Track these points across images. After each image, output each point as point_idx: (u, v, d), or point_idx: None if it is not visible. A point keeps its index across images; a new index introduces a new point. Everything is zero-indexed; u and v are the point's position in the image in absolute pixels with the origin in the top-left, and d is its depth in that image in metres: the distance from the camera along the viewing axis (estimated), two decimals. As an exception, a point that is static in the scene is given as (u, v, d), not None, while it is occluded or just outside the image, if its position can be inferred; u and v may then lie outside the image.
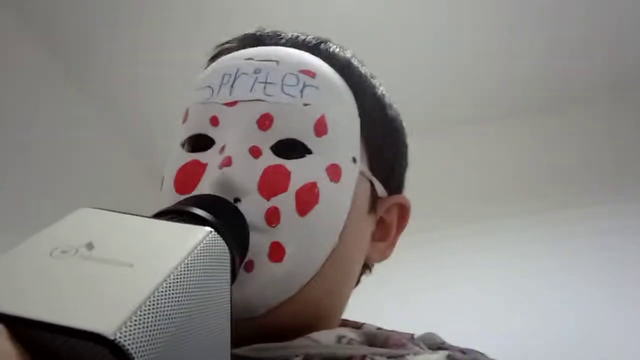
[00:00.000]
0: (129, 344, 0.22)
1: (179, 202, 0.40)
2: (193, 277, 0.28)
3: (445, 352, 0.44)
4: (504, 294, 1.75)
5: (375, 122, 0.52)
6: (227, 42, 0.55)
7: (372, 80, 0.54)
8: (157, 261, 0.27)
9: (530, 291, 1.74)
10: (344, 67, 0.52)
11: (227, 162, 0.43)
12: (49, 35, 1.82)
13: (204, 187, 0.44)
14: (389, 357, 0.42)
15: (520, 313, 1.69)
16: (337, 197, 0.46)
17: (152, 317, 0.24)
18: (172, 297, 0.26)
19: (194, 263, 0.28)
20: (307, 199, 0.44)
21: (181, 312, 0.26)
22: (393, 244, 0.55)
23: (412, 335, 0.51)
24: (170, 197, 0.46)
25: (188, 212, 0.36)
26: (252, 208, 0.43)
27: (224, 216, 0.39)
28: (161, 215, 0.36)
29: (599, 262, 1.74)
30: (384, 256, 0.54)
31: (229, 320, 0.32)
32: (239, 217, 0.42)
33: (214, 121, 0.47)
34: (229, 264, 0.32)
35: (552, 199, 1.90)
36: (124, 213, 0.32)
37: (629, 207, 1.80)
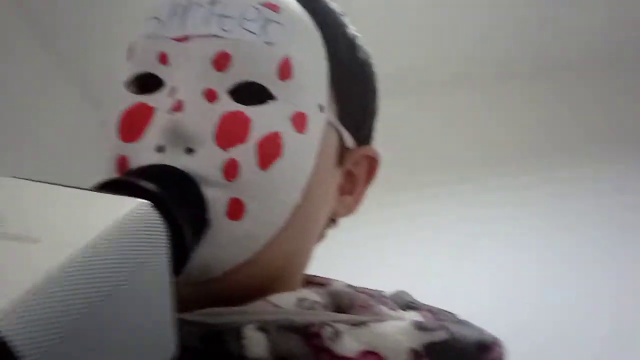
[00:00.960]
0: (14, 335, 0.18)
1: (125, 174, 0.36)
2: (112, 253, 0.24)
3: (412, 318, 0.41)
4: (489, 256, 1.75)
5: (344, 66, 0.47)
6: None
7: (342, 17, 0.49)
8: (69, 236, 0.24)
9: (515, 254, 1.74)
10: (311, 2, 0.46)
11: (178, 107, 0.38)
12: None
13: (153, 134, 0.39)
14: (351, 325, 0.39)
15: (506, 278, 1.70)
16: (302, 150, 0.42)
17: (51, 302, 0.20)
18: (79, 278, 0.22)
19: (115, 237, 0.25)
20: (269, 151, 0.40)
21: (93, 294, 0.22)
22: (360, 198, 0.52)
23: (382, 292, 0.49)
24: (113, 146, 0.41)
25: (131, 183, 0.32)
26: (208, 160, 0.39)
27: (175, 187, 0.35)
28: (101, 188, 0.32)
29: (596, 224, 1.74)
30: (350, 210, 0.51)
31: (168, 300, 0.28)
32: (193, 186, 0.38)
33: (163, 58, 0.41)
34: (163, 239, 0.28)
35: (544, 161, 1.88)
36: (53, 184, 0.28)
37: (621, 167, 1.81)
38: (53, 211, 0.26)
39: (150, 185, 0.32)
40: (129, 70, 0.43)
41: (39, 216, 0.25)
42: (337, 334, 0.38)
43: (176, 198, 0.33)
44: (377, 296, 0.48)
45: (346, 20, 0.50)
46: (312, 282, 0.50)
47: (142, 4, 0.47)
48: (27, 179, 0.28)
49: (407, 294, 0.50)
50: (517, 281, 1.68)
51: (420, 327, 0.40)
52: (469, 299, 1.34)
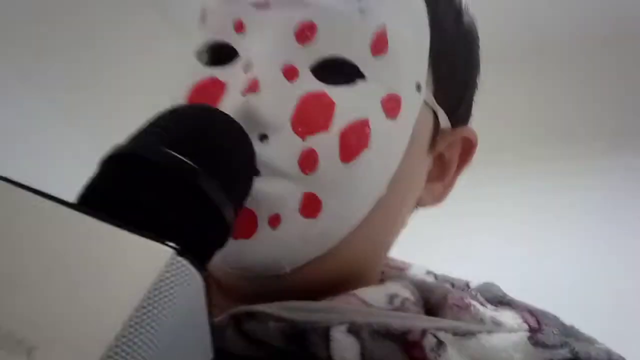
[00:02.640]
0: None
1: (147, 129, 0.29)
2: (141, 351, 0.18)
3: (525, 334, 0.36)
4: (511, 242, 1.69)
5: (448, 37, 0.41)
6: None
7: None
8: (72, 345, 0.17)
9: (539, 240, 1.68)
10: None
11: (253, 87, 0.34)
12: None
13: None
14: (455, 334, 0.34)
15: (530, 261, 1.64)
16: (392, 139, 0.37)
17: None
18: None
19: (139, 329, 0.18)
20: (354, 142, 0.35)
21: None
22: (451, 186, 0.46)
23: (468, 284, 0.44)
24: None
25: (150, 160, 0.26)
26: (283, 149, 0.34)
27: (214, 148, 0.29)
28: (112, 162, 0.26)
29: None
30: (438, 200, 0.45)
31: (208, 343, 0.23)
32: (240, 143, 0.31)
33: (239, 26, 0.37)
34: (200, 298, 0.22)
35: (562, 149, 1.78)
36: (41, 193, 0.21)
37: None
38: (44, 278, 0.19)
39: (174, 160, 0.26)
40: (200, 38, 0.39)
41: (31, 294, 0.18)
42: (440, 345, 0.34)
43: (209, 162, 0.27)
44: (463, 287, 0.43)
45: None
46: (389, 265, 0.46)
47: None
48: (16, 183, 0.21)
49: (497, 287, 0.44)
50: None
51: (538, 342, 0.34)
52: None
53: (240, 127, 0.32)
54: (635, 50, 1.80)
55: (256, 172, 0.34)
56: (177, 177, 0.26)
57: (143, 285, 0.19)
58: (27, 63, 1.50)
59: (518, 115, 1.87)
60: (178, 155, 0.26)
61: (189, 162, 0.26)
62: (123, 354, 0.17)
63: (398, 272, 0.45)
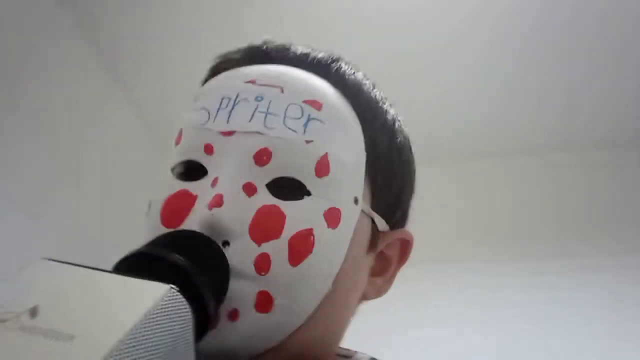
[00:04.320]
0: None
1: (153, 241, 0.38)
2: (142, 348, 0.26)
3: None
4: (498, 334, 1.71)
5: (382, 155, 0.48)
6: (230, 54, 0.51)
7: (382, 105, 0.50)
8: (101, 332, 0.25)
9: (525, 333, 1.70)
10: (353, 92, 0.48)
11: (218, 202, 0.40)
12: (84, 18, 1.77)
13: (192, 224, 0.41)
14: None
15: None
16: (333, 244, 0.43)
17: None
18: None
19: (144, 331, 0.26)
20: (300, 247, 0.41)
21: None
22: (391, 280, 0.52)
23: None
24: (155, 229, 0.43)
25: (158, 256, 0.35)
26: (242, 253, 0.40)
27: (201, 256, 0.37)
28: (129, 258, 0.35)
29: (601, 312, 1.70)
30: (380, 293, 0.51)
31: None
32: (219, 256, 0.39)
33: (208, 149, 0.43)
34: (190, 326, 0.30)
35: (555, 245, 1.85)
36: (82, 266, 0.30)
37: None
38: (85, 300, 0.28)
39: (176, 258, 0.35)
40: (176, 155, 0.45)
41: (72, 307, 0.27)
42: None
43: (200, 266, 0.35)
44: None
45: (386, 106, 0.50)
46: (337, 353, 0.50)
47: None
48: (59, 262, 0.31)
49: None
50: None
51: None
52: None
53: (220, 248, 0.40)
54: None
55: (227, 280, 0.40)
56: (179, 270, 0.34)
57: (145, 307, 0.27)
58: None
59: (504, 213, 1.96)
60: (180, 256, 0.35)
61: (190, 263, 0.35)
62: (128, 344, 0.25)
63: (344, 359, 0.49)
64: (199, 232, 0.40)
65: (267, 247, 0.40)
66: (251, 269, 0.40)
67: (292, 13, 1.65)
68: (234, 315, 0.40)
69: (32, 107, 1.61)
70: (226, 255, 0.40)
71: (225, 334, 0.39)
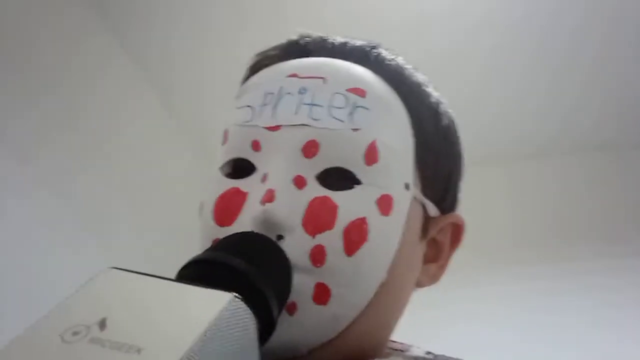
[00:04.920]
0: None
1: (215, 247, 0.38)
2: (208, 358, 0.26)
3: None
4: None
5: (430, 139, 0.47)
6: (268, 50, 0.51)
7: (425, 89, 0.50)
8: (168, 344, 0.26)
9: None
10: (396, 77, 0.47)
11: (270, 198, 0.40)
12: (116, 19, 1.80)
13: (245, 220, 0.41)
14: None
15: None
16: (387, 232, 0.43)
17: None
18: None
19: (210, 343, 0.27)
20: (355, 237, 0.41)
21: None
22: (445, 266, 0.51)
23: None
24: (209, 228, 0.43)
25: (221, 262, 0.35)
26: (296, 246, 0.40)
27: (264, 259, 0.37)
28: (192, 265, 0.35)
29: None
30: (434, 279, 0.51)
31: None
32: (281, 257, 0.39)
33: (256, 146, 0.44)
34: (253, 331, 0.30)
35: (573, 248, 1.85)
36: (147, 275, 0.31)
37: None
38: (151, 311, 0.28)
39: (238, 263, 0.35)
40: (223, 155, 0.46)
41: (139, 319, 0.27)
42: None
43: (263, 270, 0.35)
44: None
45: (430, 89, 0.50)
46: (391, 347, 0.50)
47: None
48: (126, 270, 0.31)
49: None
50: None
51: None
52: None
53: (280, 248, 0.40)
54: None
55: (290, 280, 0.40)
56: (241, 276, 0.34)
57: (209, 317, 0.27)
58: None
59: (540, 214, 1.96)
60: (242, 261, 0.35)
61: (253, 268, 0.35)
62: (192, 357, 0.26)
63: (399, 353, 0.49)
64: (258, 233, 0.40)
65: (322, 239, 0.40)
66: (307, 262, 0.40)
67: (299, 15, 1.65)
68: (291, 308, 0.40)
69: (67, 103, 1.64)
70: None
71: (283, 328, 0.39)
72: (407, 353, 0.49)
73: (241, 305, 0.29)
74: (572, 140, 1.97)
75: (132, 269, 0.31)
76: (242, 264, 0.35)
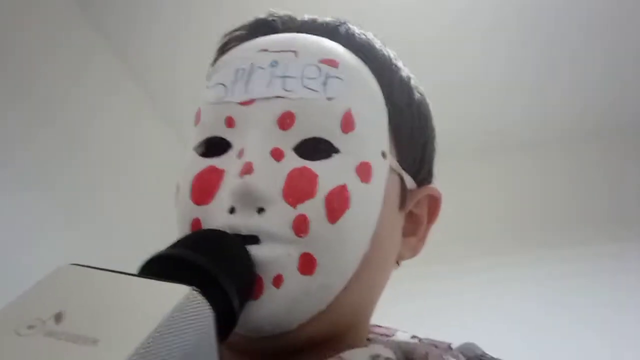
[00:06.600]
0: None
1: (176, 243, 0.38)
2: (163, 350, 0.26)
3: None
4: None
5: (402, 110, 0.48)
6: (236, 30, 0.50)
7: (396, 62, 0.50)
8: (123, 335, 0.26)
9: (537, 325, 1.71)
10: (365, 51, 0.47)
11: (248, 169, 0.39)
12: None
13: (224, 196, 0.41)
14: None
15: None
16: (368, 199, 0.43)
17: None
18: None
19: (165, 334, 0.27)
20: (337, 204, 0.40)
21: None
22: (424, 238, 0.51)
23: (450, 345, 0.48)
24: (187, 209, 0.43)
25: (181, 257, 0.35)
26: (278, 218, 0.40)
27: (222, 252, 0.37)
28: (155, 260, 0.35)
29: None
30: (414, 252, 0.51)
31: None
32: (239, 248, 0.39)
33: (230, 122, 0.43)
34: (211, 326, 0.30)
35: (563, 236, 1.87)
36: (107, 270, 0.31)
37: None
38: (109, 304, 0.28)
39: (196, 257, 0.35)
40: (197, 135, 0.45)
41: (96, 312, 0.27)
42: None
43: (222, 263, 0.36)
44: (446, 348, 0.47)
45: (400, 63, 0.50)
46: (375, 332, 0.50)
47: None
48: (85, 266, 0.31)
49: (477, 346, 0.48)
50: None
51: None
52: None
53: (238, 241, 0.39)
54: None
55: (254, 276, 0.39)
56: (201, 270, 0.34)
57: (166, 309, 0.28)
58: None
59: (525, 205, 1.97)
60: (201, 256, 0.35)
61: (209, 260, 0.35)
62: (148, 347, 0.26)
63: (384, 337, 0.49)
64: (218, 230, 0.40)
65: (303, 208, 0.40)
66: (290, 232, 0.40)
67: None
68: (277, 280, 0.39)
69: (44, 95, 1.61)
70: (263, 222, 0.40)
71: (270, 301, 0.39)
72: (392, 338, 0.49)
73: (198, 298, 0.30)
74: (560, 129, 1.98)
75: (91, 265, 0.31)
76: (201, 259, 0.35)
